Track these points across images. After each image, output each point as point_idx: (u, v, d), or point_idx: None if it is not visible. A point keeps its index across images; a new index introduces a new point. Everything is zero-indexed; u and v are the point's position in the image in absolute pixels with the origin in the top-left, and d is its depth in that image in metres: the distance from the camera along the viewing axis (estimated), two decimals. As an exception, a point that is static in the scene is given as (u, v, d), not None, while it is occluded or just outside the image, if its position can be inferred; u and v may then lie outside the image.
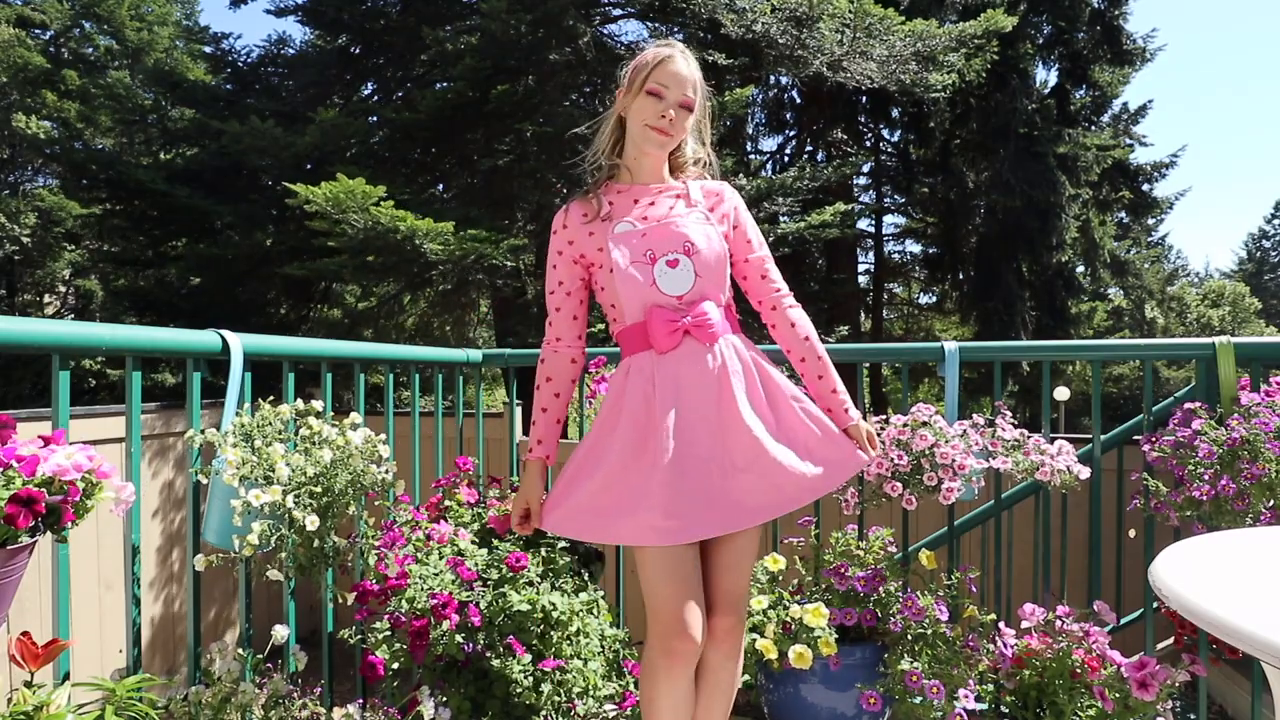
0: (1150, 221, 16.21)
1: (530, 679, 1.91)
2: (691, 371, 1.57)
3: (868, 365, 3.07)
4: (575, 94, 7.68)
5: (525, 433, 4.16)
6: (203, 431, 1.70)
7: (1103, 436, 2.58)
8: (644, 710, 1.61)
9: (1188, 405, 2.10)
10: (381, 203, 5.97)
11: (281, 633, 1.76)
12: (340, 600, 2.04)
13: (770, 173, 11.15)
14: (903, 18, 7.58)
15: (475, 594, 1.94)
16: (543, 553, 2.14)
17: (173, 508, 3.81)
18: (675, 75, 1.61)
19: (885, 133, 12.93)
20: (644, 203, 1.66)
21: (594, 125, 1.77)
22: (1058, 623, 1.94)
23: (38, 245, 12.85)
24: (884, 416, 2.15)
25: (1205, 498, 1.90)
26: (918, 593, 2.05)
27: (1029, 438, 2.12)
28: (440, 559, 2.02)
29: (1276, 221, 40.91)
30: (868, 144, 12.62)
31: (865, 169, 12.85)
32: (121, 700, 1.26)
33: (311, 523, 1.60)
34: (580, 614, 2.06)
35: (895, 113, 11.99)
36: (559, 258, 1.70)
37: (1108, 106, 12.61)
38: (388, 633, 1.91)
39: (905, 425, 2.10)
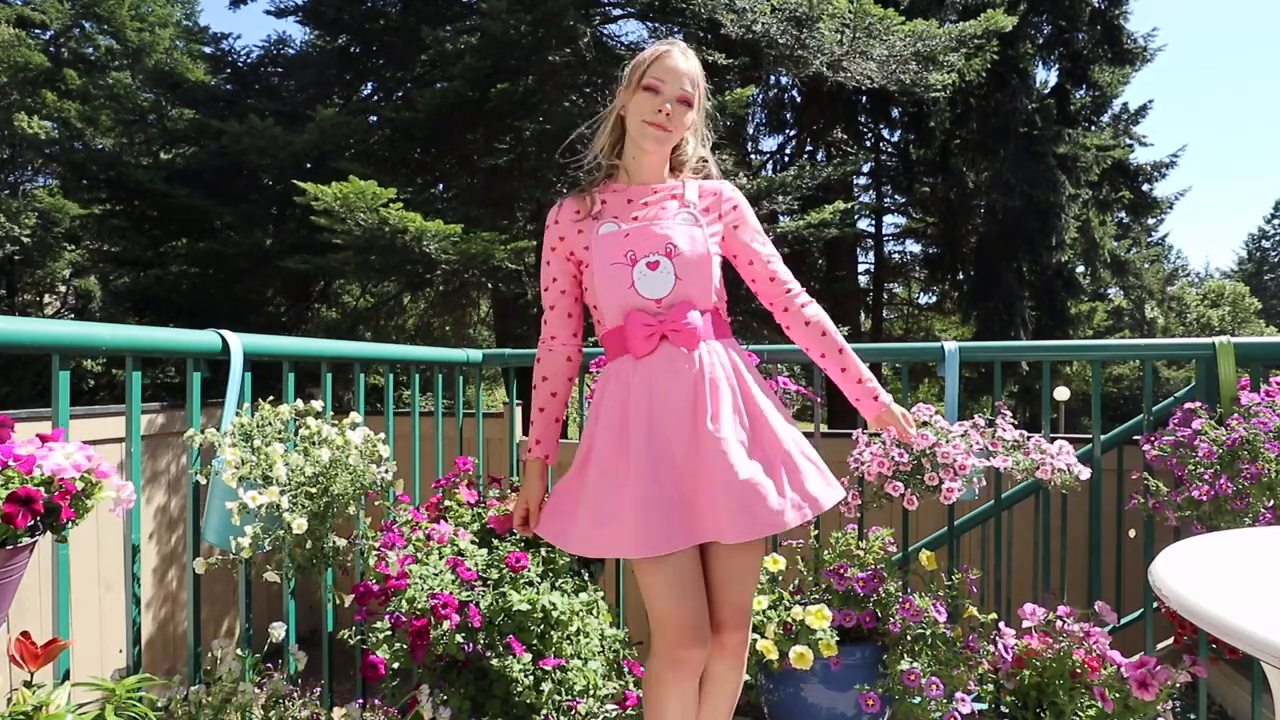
0: (1150, 221, 16.20)
1: (530, 678, 1.91)
2: (668, 377, 1.53)
3: (868, 365, 3.06)
4: (575, 94, 7.68)
5: (525, 433, 4.16)
6: (202, 431, 1.70)
7: (1103, 436, 2.58)
8: (649, 717, 1.60)
9: (1188, 405, 2.10)
10: (390, 204, 5.98)
11: (279, 631, 1.76)
12: (339, 602, 2.04)
13: (770, 172, 11.15)
14: (903, 18, 7.58)
15: (475, 594, 1.94)
16: (543, 553, 2.14)
17: (173, 508, 3.81)
18: (672, 70, 1.59)
19: (885, 133, 12.94)
20: (638, 202, 1.64)
21: (594, 124, 1.74)
22: (1058, 623, 1.94)
23: (38, 245, 12.85)
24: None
25: (1205, 498, 1.90)
26: (916, 594, 2.05)
27: (1029, 438, 2.12)
28: (440, 559, 2.02)
29: (1276, 221, 40.92)
30: (868, 144, 12.62)
31: (865, 169, 12.85)
32: (121, 700, 1.26)
33: (299, 525, 1.59)
34: (580, 614, 2.05)
35: (895, 113, 12.00)
36: (551, 254, 1.69)
37: (1108, 106, 12.61)
38: (388, 633, 1.91)
39: (905, 425, 2.10)
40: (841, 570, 2.11)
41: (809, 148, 12.44)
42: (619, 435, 1.53)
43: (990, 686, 2.02)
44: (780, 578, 2.20)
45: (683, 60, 1.61)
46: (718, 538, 1.48)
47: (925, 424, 2.08)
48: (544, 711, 1.94)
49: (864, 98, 11.17)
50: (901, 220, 14.33)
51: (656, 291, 1.55)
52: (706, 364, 1.54)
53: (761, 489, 1.48)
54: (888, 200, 13.65)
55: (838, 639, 1.96)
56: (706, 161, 1.74)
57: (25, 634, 1.19)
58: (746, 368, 1.62)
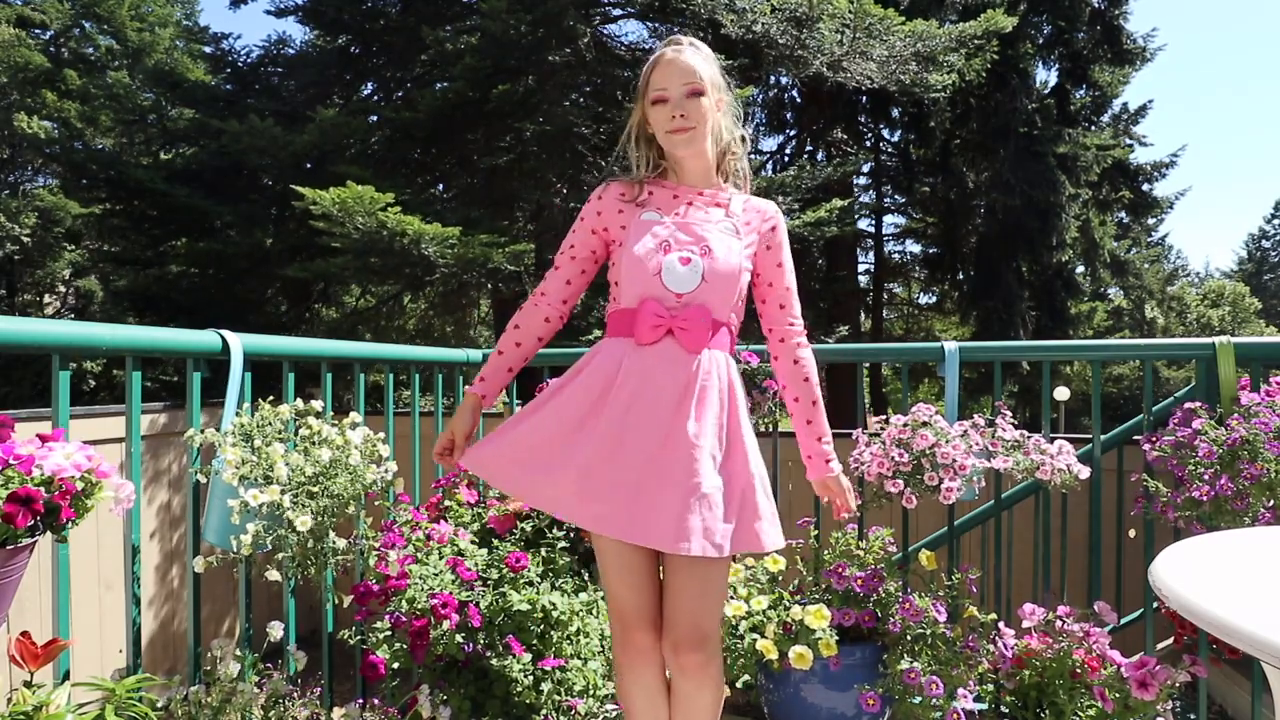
0: (1150, 221, 16.21)
1: (530, 678, 1.92)
2: (664, 371, 1.52)
3: (868, 365, 3.06)
4: (575, 94, 7.68)
5: (525, 433, 4.16)
6: (203, 431, 1.70)
7: (1103, 436, 2.58)
8: (623, 708, 1.62)
9: (1188, 405, 2.10)
10: (388, 208, 5.98)
11: (278, 629, 1.76)
12: (339, 602, 2.04)
13: (770, 172, 11.15)
14: (903, 18, 7.58)
15: (475, 594, 1.94)
16: (543, 553, 2.14)
17: (174, 508, 3.81)
18: (671, 70, 1.58)
19: (885, 133, 12.94)
20: (683, 200, 1.64)
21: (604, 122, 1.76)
22: (1058, 623, 1.94)
23: (38, 245, 12.85)
24: (884, 416, 2.15)
25: (1205, 498, 1.90)
26: (916, 593, 2.04)
27: (1029, 438, 2.12)
28: (440, 559, 2.02)
29: (1276, 221, 40.92)
30: (868, 144, 12.62)
31: (865, 169, 12.86)
32: (121, 700, 1.26)
33: (303, 523, 1.60)
34: (580, 614, 2.06)
35: (895, 113, 12.00)
36: (581, 224, 1.70)
37: (1108, 106, 12.62)
38: (388, 633, 1.91)
39: (905, 425, 2.10)
40: (841, 570, 2.11)
41: (809, 148, 12.44)
42: (593, 401, 1.52)
43: (990, 686, 2.02)
44: (780, 578, 2.20)
45: (677, 54, 1.60)
46: (654, 544, 1.46)
47: (925, 424, 2.08)
48: (544, 711, 1.94)
49: (864, 98, 11.17)
50: (901, 220, 14.35)
51: (681, 286, 1.55)
52: (703, 371, 1.54)
53: (715, 508, 1.46)
54: (888, 200, 13.66)
55: (837, 639, 1.96)
56: (745, 140, 1.72)
57: (25, 634, 1.19)
58: (739, 388, 1.61)
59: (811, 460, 1.70)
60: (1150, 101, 12.90)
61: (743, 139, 1.72)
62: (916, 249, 14.47)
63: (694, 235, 1.58)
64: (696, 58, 1.60)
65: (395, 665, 1.89)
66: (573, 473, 1.48)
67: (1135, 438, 2.45)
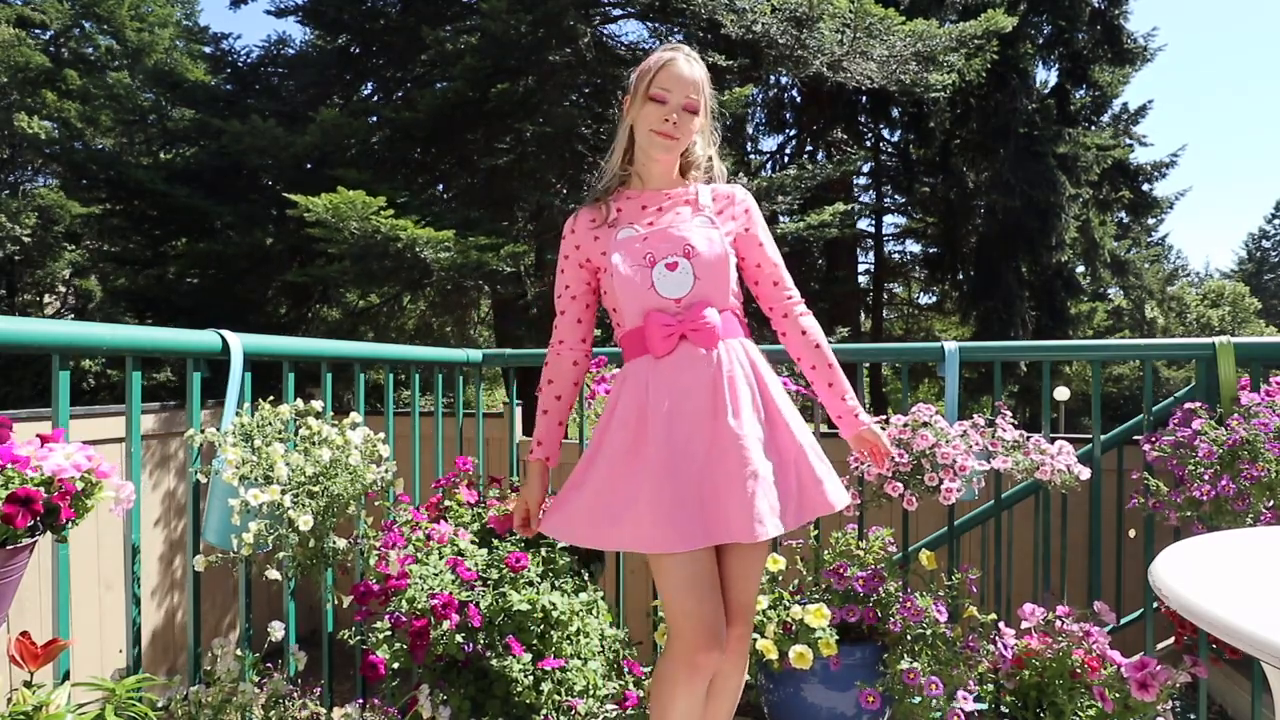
0: (1150, 221, 16.21)
1: (530, 678, 1.92)
2: (688, 376, 1.55)
3: (868, 365, 3.07)
4: (575, 94, 7.68)
5: (525, 433, 4.17)
6: (203, 431, 1.70)
7: (1103, 436, 2.58)
8: (656, 716, 1.60)
9: (1188, 405, 2.10)
10: (381, 211, 5.98)
11: (278, 629, 1.76)
12: (339, 602, 2.04)
13: (770, 172, 11.15)
14: (903, 18, 7.58)
15: (475, 594, 1.94)
16: (543, 553, 2.14)
17: (174, 509, 3.81)
18: (677, 78, 1.60)
19: (885, 133, 12.95)
20: (652, 209, 1.66)
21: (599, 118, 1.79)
22: (1058, 623, 1.94)
23: (38, 245, 12.85)
24: (884, 416, 2.15)
25: (1205, 498, 1.90)
26: (916, 593, 2.04)
27: (1029, 438, 2.12)
28: (440, 559, 2.02)
29: (1276, 221, 40.92)
30: (868, 144, 12.62)
31: (865, 169, 12.87)
32: (121, 700, 1.26)
33: (305, 522, 1.60)
34: (580, 614, 2.06)
35: (895, 113, 12.01)
36: (566, 262, 1.71)
37: (1108, 106, 12.62)
38: (388, 633, 1.91)
39: (905, 425, 2.10)
40: (841, 570, 2.10)
41: (809, 148, 12.44)
42: (635, 433, 1.54)
43: (990, 686, 2.02)
44: (780, 578, 2.20)
45: (687, 67, 1.62)
46: (735, 538, 1.49)
47: (925, 424, 2.08)
48: (544, 711, 1.94)
49: (864, 98, 11.18)
50: (901, 220, 14.35)
51: (676, 291, 1.57)
52: (725, 362, 1.57)
53: (775, 489, 1.51)
54: (888, 200, 13.66)
55: (837, 639, 1.96)
56: (713, 160, 1.76)
57: (25, 634, 1.19)
58: (764, 365, 1.65)
59: (842, 419, 1.72)
60: (1150, 101, 12.92)
61: (710, 160, 1.75)
62: (916, 249, 14.49)
63: (672, 239, 1.60)
64: (701, 75, 1.64)
65: (395, 665, 1.89)
66: (642, 507, 1.49)
67: (1135, 438, 2.45)
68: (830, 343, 1.78)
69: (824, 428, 2.67)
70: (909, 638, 1.98)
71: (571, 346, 1.72)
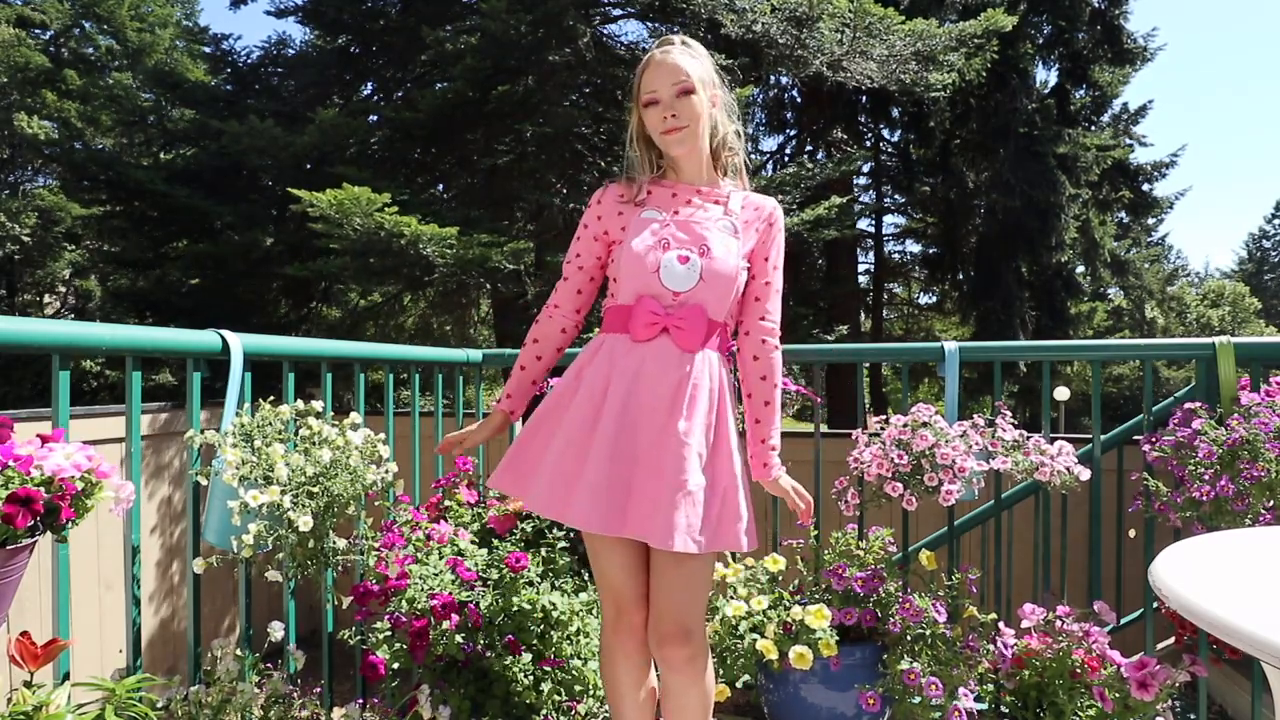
0: (1150, 221, 16.20)
1: (530, 678, 1.91)
2: (655, 370, 1.54)
3: (868, 365, 3.07)
4: (575, 94, 7.68)
5: (525, 433, 4.16)
6: (203, 432, 1.70)
7: (1103, 436, 2.58)
8: (609, 693, 1.65)
9: (1188, 405, 2.10)
10: (385, 209, 5.98)
11: (278, 630, 1.76)
12: (339, 602, 2.04)
13: (770, 172, 11.15)
14: (903, 17, 7.57)
15: (475, 594, 1.94)
16: (543, 553, 2.14)
17: (174, 509, 3.81)
18: (659, 72, 1.59)
19: (885, 132, 12.94)
20: (681, 199, 1.65)
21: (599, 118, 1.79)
22: (1058, 623, 1.94)
23: (38, 245, 12.85)
24: (884, 416, 2.15)
25: (1205, 498, 1.90)
26: (916, 594, 2.04)
27: (1029, 438, 2.12)
28: (440, 559, 2.02)
29: (1277, 221, 40.93)
30: (868, 144, 12.62)
31: (865, 169, 12.86)
32: (121, 700, 1.26)
33: (305, 523, 1.60)
34: (580, 614, 2.06)
35: (895, 112, 12.00)
36: (584, 231, 1.72)
37: (1108, 106, 12.61)
38: (388, 633, 1.91)
39: (905, 425, 2.10)
40: (841, 570, 2.10)
41: (809, 148, 12.44)
42: (594, 408, 1.55)
43: (990, 686, 2.02)
44: (780, 578, 2.20)
45: (667, 55, 1.60)
46: (647, 538, 1.48)
47: (925, 424, 2.08)
48: (544, 711, 1.94)
49: (864, 97, 11.17)
50: (901, 220, 14.35)
51: (678, 285, 1.57)
52: (696, 370, 1.55)
53: (698, 505, 1.48)
54: (888, 200, 13.66)
55: (837, 639, 1.96)
56: (741, 135, 1.73)
57: (25, 634, 1.19)
58: (729, 391, 1.62)
59: (753, 461, 1.67)
60: (1150, 101, 12.91)
61: (738, 134, 1.73)
62: (916, 249, 14.48)
63: (693, 234, 1.59)
64: (685, 56, 1.60)
65: (395, 665, 1.89)
66: (583, 485, 1.50)
67: (1135, 438, 2.45)
68: (830, 342, 1.78)
69: (825, 428, 2.67)
70: (909, 638, 1.98)
71: (565, 314, 1.73)
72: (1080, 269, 13.45)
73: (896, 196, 13.60)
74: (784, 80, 11.59)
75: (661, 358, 1.55)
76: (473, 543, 2.12)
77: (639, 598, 1.60)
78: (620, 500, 1.49)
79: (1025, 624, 1.99)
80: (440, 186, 8.66)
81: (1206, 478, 1.92)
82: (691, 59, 1.61)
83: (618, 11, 8.31)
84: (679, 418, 1.51)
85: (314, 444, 1.73)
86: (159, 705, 1.53)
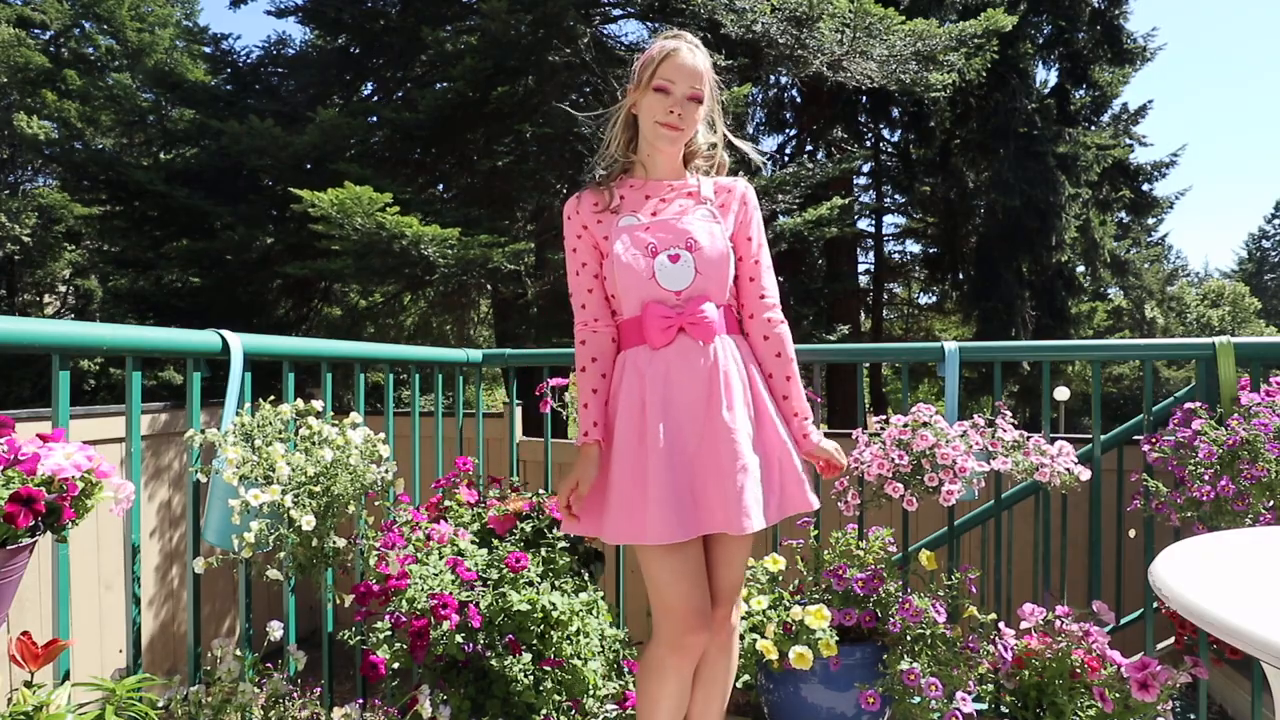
0: (1150, 221, 16.21)
1: (530, 678, 1.91)
2: (683, 369, 1.57)
3: (868, 365, 3.06)
4: (575, 94, 7.67)
5: (525, 433, 4.17)
6: (203, 431, 1.70)
7: (1103, 436, 2.58)
8: (644, 706, 1.62)
9: (1188, 405, 2.10)
10: (386, 209, 5.98)
11: (278, 629, 1.76)
12: (339, 602, 2.04)
13: (770, 172, 11.15)
14: (903, 17, 7.57)
15: (475, 594, 1.94)
16: (543, 553, 2.14)
17: (174, 508, 3.81)
18: (681, 68, 1.60)
19: (885, 132, 12.95)
20: (655, 199, 1.67)
21: (600, 119, 1.76)
22: (1057, 623, 1.94)
23: (38, 245, 12.86)
24: (884, 416, 2.15)
25: (1205, 498, 1.90)
26: (916, 594, 2.04)
27: (1029, 438, 2.12)
28: (440, 559, 2.02)
29: (1277, 221, 40.92)
30: (868, 143, 12.62)
31: (865, 169, 12.86)
32: (121, 700, 1.26)
33: (308, 523, 1.61)
34: (580, 614, 2.05)
35: (895, 112, 12.01)
36: (578, 242, 1.70)
37: (1108, 106, 12.61)
38: (388, 633, 1.91)
39: (905, 425, 2.10)
40: (841, 570, 2.10)
41: (809, 147, 12.44)
42: (638, 427, 1.56)
43: (990, 686, 2.02)
44: (780, 578, 2.20)
45: (690, 56, 1.61)
46: (723, 529, 1.53)
47: (925, 424, 2.08)
48: (544, 711, 1.94)
49: (864, 97, 11.17)
50: (901, 220, 14.35)
51: (676, 284, 1.59)
52: (721, 357, 1.59)
53: (760, 485, 1.55)
54: (888, 200, 13.67)
55: (837, 639, 1.96)
56: (716, 147, 1.75)
57: (25, 634, 1.19)
58: (753, 362, 1.67)
59: (790, 435, 1.70)
60: (1150, 101, 12.91)
61: (714, 145, 1.75)
62: (916, 249, 14.49)
63: (675, 231, 1.61)
64: (705, 64, 1.64)
65: (395, 665, 1.89)
66: (650, 501, 1.51)
67: (1135, 438, 2.45)
68: (830, 342, 1.79)
69: (825, 428, 2.67)
70: (909, 638, 1.98)
71: (606, 324, 1.70)
72: (1080, 269, 13.45)
73: (896, 196, 13.61)
74: (784, 80, 11.59)
75: (685, 356, 1.57)
76: (473, 543, 2.12)
77: (704, 616, 1.58)
78: (689, 503, 1.52)
79: (1025, 624, 1.99)
80: (440, 187, 8.66)
81: (1206, 478, 1.92)
82: (707, 69, 1.64)
83: (618, 11, 8.31)
84: (719, 408, 1.55)
85: (314, 444, 1.73)
86: (159, 705, 1.53)
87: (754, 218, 1.72)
